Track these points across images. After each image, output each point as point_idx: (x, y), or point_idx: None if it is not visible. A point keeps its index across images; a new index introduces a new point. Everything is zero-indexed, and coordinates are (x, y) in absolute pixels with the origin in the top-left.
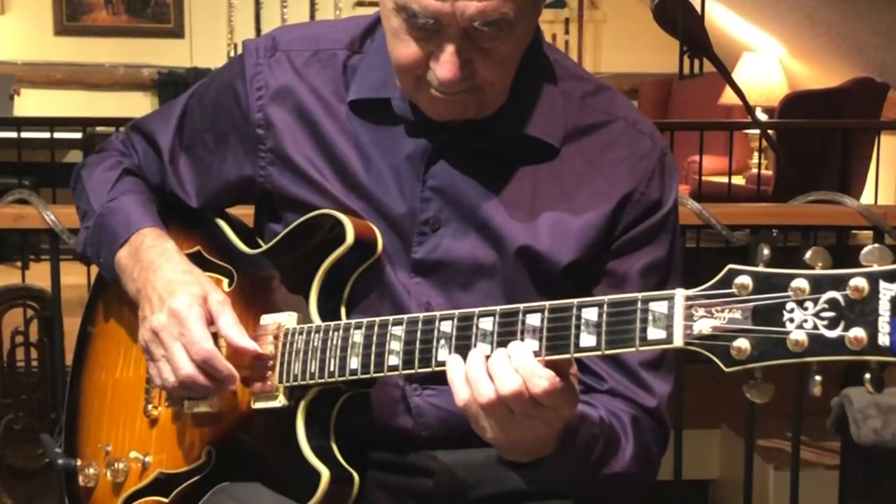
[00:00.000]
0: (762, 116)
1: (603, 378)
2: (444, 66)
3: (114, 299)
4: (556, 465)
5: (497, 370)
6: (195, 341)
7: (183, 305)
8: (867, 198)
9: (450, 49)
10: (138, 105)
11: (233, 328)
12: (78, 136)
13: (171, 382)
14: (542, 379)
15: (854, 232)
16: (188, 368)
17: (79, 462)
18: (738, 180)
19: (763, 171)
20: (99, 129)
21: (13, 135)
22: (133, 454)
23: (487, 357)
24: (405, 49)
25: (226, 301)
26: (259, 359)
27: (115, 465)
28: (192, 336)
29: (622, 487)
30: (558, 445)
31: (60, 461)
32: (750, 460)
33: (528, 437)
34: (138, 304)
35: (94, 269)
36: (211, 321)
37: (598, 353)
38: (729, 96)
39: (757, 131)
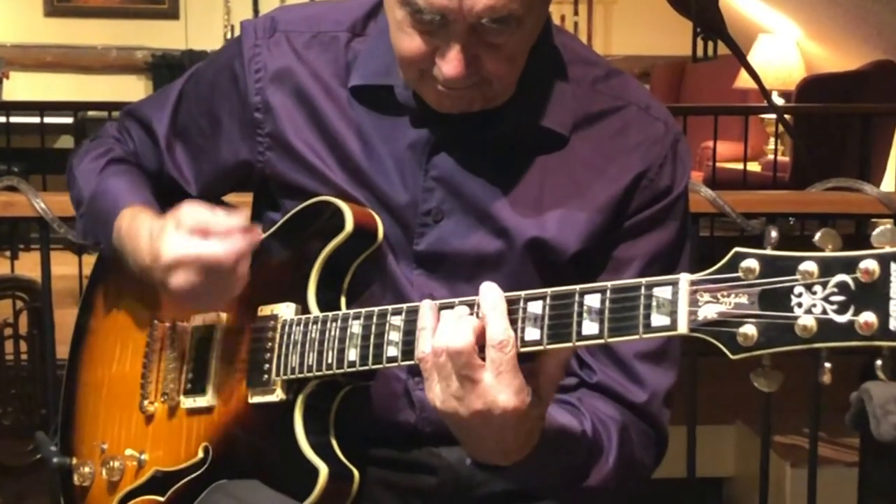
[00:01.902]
0: (779, 101)
1: (592, 370)
2: (450, 63)
3: (111, 291)
4: (524, 473)
5: (460, 328)
6: (206, 253)
7: (168, 249)
8: (888, 185)
9: (456, 46)
10: (131, 89)
11: (210, 219)
12: (69, 120)
13: (235, 293)
14: (500, 330)
15: (874, 220)
16: (233, 272)
17: (74, 460)
18: (754, 167)
19: (779, 158)
20: (91, 113)
21: (2, 119)
22: (129, 452)
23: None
24: (409, 43)
25: (197, 211)
26: (258, 351)
27: (111, 463)
28: (200, 251)
29: (599, 498)
30: (526, 459)
31: (55, 460)
32: (766, 457)
33: (463, 413)
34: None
35: (87, 260)
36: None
37: (601, 341)
38: (744, 80)
39: (773, 116)
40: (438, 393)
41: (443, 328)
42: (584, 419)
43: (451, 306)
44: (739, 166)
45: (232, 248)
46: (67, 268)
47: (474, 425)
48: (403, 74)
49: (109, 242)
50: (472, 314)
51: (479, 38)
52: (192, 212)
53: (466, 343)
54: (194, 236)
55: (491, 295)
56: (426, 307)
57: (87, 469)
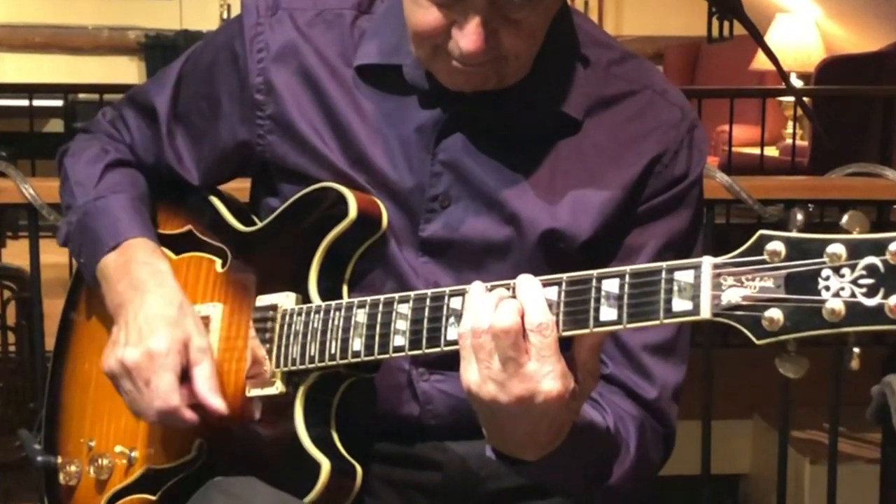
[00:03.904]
0: (797, 83)
1: (603, 362)
2: (469, 37)
3: None
4: (546, 470)
5: (502, 307)
6: (160, 395)
7: (160, 349)
8: None
9: (475, 20)
10: (124, 70)
11: (205, 383)
12: (59, 103)
13: (138, 416)
14: (540, 312)
15: None
16: (151, 417)
17: (60, 459)
18: (771, 151)
19: (798, 142)
20: (81, 96)
21: None
22: (118, 449)
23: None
24: (425, 16)
25: (206, 349)
26: (257, 342)
27: (99, 461)
28: (159, 387)
29: (613, 498)
30: (554, 453)
31: (40, 458)
32: (784, 453)
33: (501, 400)
34: (114, 317)
35: None
36: (187, 369)
37: (620, 326)
38: (761, 61)
39: (791, 99)
40: (475, 376)
41: (483, 307)
42: (606, 415)
43: (461, 294)
44: (756, 151)
45: (174, 410)
46: (57, 256)
47: (512, 413)
48: (416, 50)
49: (92, 263)
50: (511, 297)
51: (498, 13)
52: (203, 354)
53: (514, 322)
54: (176, 369)
55: (528, 281)
56: (476, 286)
57: (73, 467)
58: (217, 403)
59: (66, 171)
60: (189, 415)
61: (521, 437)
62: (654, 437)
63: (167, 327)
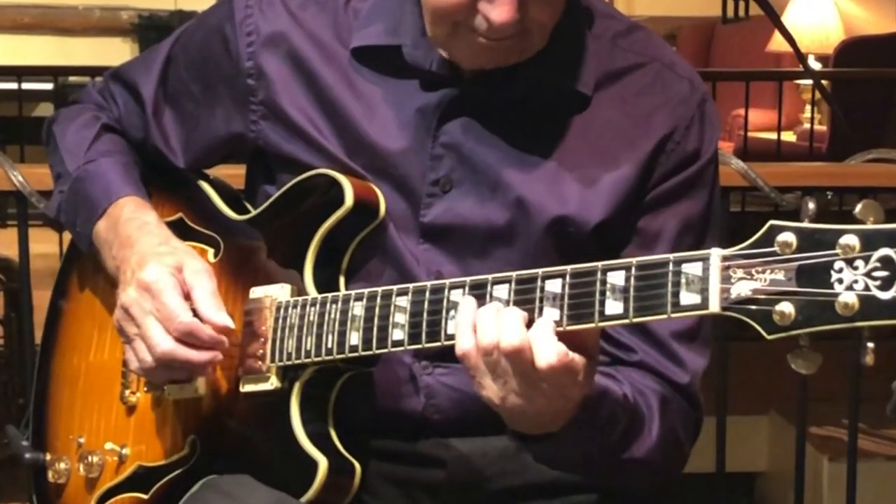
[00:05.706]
0: (815, 65)
1: (632, 349)
2: (502, 7)
3: (88, 271)
4: (567, 444)
5: (507, 322)
6: (173, 315)
7: (154, 276)
8: None
9: None
10: (116, 52)
11: (207, 299)
12: (49, 86)
13: (147, 363)
14: (549, 352)
15: None
16: (165, 344)
17: (48, 456)
18: (789, 137)
19: (816, 127)
20: (72, 78)
21: None
22: (109, 446)
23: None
24: None
25: (203, 270)
26: (250, 336)
27: (89, 458)
28: (169, 309)
29: (644, 475)
30: (570, 423)
31: (28, 455)
32: (802, 450)
33: (528, 409)
34: (118, 282)
35: (68, 236)
36: (187, 294)
37: (626, 321)
38: (778, 42)
39: (809, 82)
40: (496, 390)
41: (486, 321)
42: (622, 385)
43: (461, 286)
44: (773, 136)
45: (193, 326)
46: (47, 245)
47: (540, 411)
48: (433, 28)
49: (88, 229)
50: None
51: None
52: (200, 275)
53: (523, 341)
54: (177, 289)
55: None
56: (467, 302)
57: (62, 465)
58: (223, 319)
59: (56, 138)
60: (209, 331)
61: (545, 420)
62: (681, 414)
63: (156, 258)
